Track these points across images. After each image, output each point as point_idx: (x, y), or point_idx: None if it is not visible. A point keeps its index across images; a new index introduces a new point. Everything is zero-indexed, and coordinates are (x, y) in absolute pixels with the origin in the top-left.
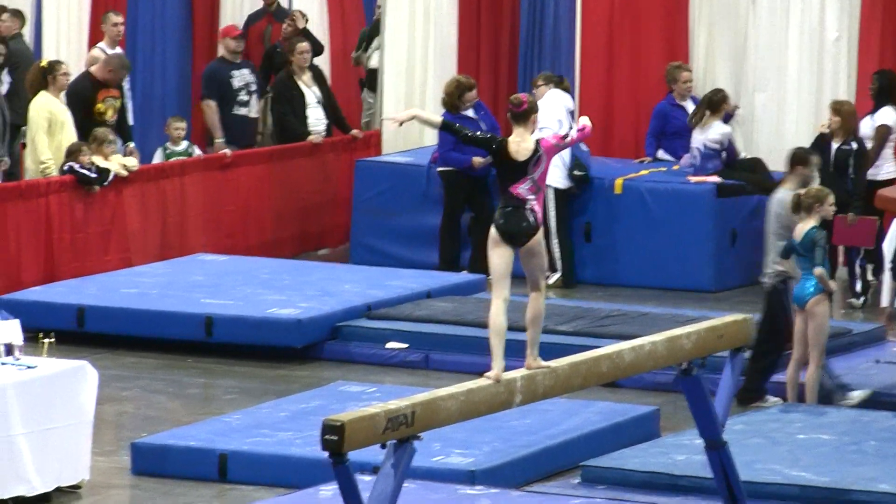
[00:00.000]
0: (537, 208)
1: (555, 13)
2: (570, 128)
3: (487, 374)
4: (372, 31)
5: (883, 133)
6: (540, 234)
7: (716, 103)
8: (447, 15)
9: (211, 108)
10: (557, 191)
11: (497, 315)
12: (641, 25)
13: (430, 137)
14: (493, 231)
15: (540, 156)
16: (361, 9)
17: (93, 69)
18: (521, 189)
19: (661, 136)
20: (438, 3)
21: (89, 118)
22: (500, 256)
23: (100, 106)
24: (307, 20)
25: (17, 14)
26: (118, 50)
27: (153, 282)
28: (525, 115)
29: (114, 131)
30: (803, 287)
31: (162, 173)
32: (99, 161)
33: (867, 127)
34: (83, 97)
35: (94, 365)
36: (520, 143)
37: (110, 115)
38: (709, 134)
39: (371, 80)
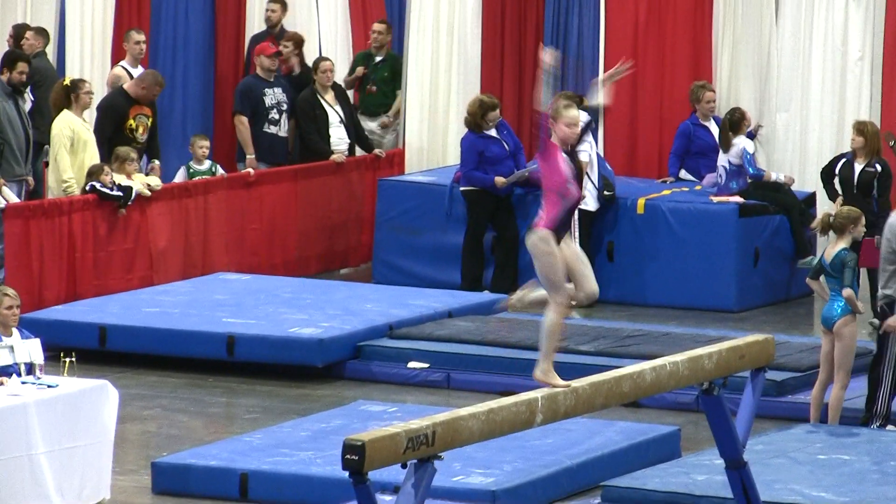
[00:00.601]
0: (541, 211)
1: (578, 32)
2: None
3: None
4: (367, 56)
5: None
6: (531, 235)
7: (735, 123)
8: (471, 34)
9: (244, 123)
10: (586, 212)
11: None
12: (665, 45)
13: (453, 157)
14: None
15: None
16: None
17: (126, 85)
18: None
19: (684, 155)
20: (462, 21)
21: (120, 134)
22: None
23: (131, 122)
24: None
25: (42, 32)
26: (140, 68)
27: (175, 300)
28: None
29: (143, 149)
30: (831, 308)
31: (185, 192)
32: (121, 180)
33: None
34: (116, 112)
35: (116, 384)
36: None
37: (141, 132)
38: (732, 150)
39: (366, 104)
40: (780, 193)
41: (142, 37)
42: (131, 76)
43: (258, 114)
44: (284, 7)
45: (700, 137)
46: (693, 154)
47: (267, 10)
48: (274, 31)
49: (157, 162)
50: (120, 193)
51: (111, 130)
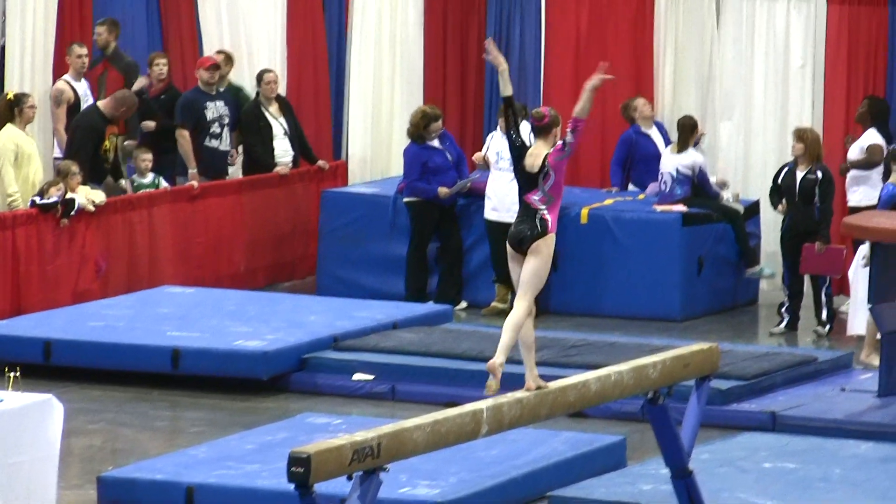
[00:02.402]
0: (549, 216)
1: (520, 41)
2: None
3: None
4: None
5: (878, 151)
6: (547, 238)
7: (690, 128)
8: (413, 44)
9: (185, 137)
10: None
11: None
12: (607, 54)
13: (397, 168)
14: (507, 243)
15: (548, 171)
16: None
17: (102, 105)
18: (534, 198)
19: (628, 164)
20: (404, 32)
21: (97, 155)
22: (514, 270)
23: (107, 143)
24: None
25: None
26: (83, 82)
27: (120, 314)
28: (546, 128)
29: (109, 169)
30: None
31: (129, 205)
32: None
33: (855, 153)
34: (96, 133)
35: (61, 398)
36: (535, 157)
37: (112, 154)
38: (682, 160)
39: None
40: (721, 201)
41: (84, 50)
42: (74, 90)
43: (199, 127)
44: (111, 29)
45: (642, 146)
46: (637, 163)
47: (94, 35)
48: (107, 54)
49: (123, 182)
50: (55, 199)
51: (92, 151)
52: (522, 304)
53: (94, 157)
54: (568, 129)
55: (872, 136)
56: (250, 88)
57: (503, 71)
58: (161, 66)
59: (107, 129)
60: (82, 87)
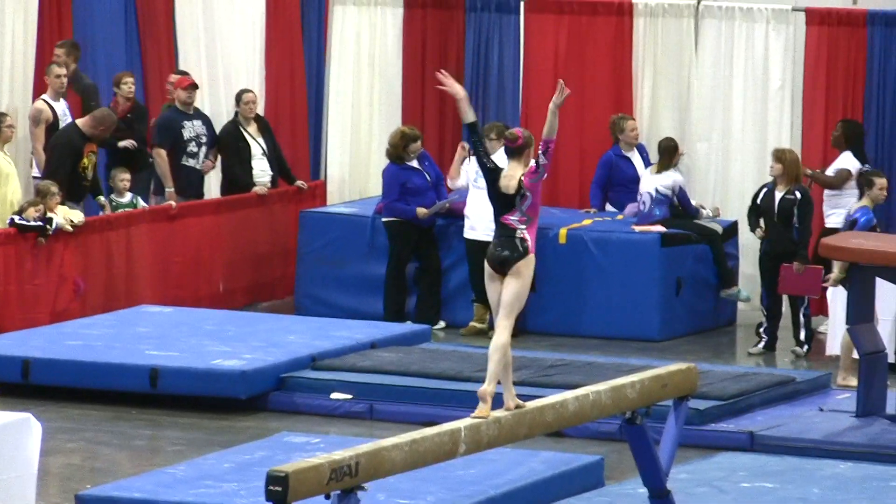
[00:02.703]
0: (528, 236)
1: (499, 64)
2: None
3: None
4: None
5: (844, 176)
6: (528, 259)
7: (672, 150)
8: (392, 64)
9: (162, 156)
10: None
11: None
12: (586, 75)
13: (375, 188)
14: (486, 264)
15: (524, 193)
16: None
17: (81, 123)
18: (512, 219)
19: (607, 186)
20: (383, 53)
21: (75, 172)
22: (493, 290)
23: (85, 161)
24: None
25: None
26: (62, 101)
27: (98, 334)
28: (519, 150)
29: (89, 187)
30: None
31: (108, 225)
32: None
33: (830, 174)
34: (74, 150)
35: (39, 417)
36: (510, 179)
37: (90, 171)
38: (662, 180)
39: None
40: (699, 222)
41: (63, 71)
42: (53, 110)
43: (176, 147)
44: (70, 51)
45: (622, 168)
46: (616, 185)
47: (54, 56)
48: (67, 74)
49: (102, 199)
50: (39, 223)
51: (69, 169)
52: (506, 327)
53: (71, 175)
54: (539, 151)
55: (847, 160)
56: (229, 108)
57: (461, 99)
58: (129, 86)
59: (85, 146)
60: (61, 107)
